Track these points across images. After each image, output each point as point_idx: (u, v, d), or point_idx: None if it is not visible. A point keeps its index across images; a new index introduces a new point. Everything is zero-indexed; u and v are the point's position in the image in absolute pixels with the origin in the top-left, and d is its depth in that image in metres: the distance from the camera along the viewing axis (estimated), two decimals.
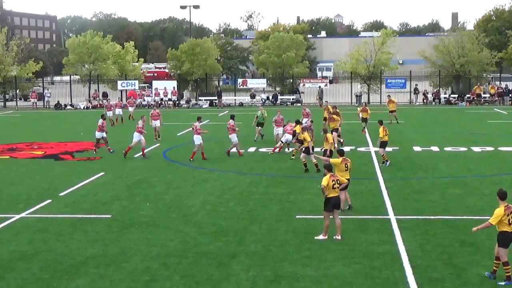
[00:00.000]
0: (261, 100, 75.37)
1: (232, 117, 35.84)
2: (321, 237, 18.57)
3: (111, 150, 36.25)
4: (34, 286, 15.42)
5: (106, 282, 15.60)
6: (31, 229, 20.40)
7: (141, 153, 34.84)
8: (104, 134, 36.62)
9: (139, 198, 24.82)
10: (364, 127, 43.55)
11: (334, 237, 18.54)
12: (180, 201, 24.11)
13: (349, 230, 19.50)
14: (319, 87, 75.27)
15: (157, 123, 41.87)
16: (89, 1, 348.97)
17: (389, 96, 55.35)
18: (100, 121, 36.78)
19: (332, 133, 33.20)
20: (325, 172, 19.02)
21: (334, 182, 18.64)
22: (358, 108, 44.65)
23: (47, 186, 26.94)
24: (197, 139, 33.49)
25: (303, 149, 30.27)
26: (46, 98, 78.40)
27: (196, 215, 21.89)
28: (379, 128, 31.09)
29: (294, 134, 34.15)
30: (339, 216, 18.98)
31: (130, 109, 56.47)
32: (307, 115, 41.28)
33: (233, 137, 34.73)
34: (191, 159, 33.32)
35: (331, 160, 22.15)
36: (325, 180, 18.57)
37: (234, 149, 34.82)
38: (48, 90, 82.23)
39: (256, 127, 40.54)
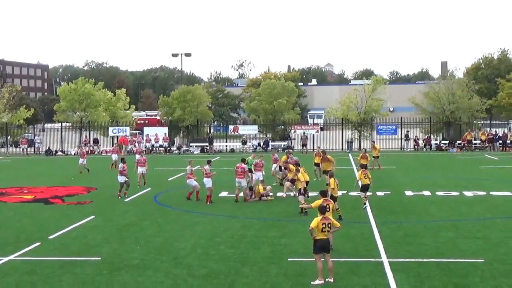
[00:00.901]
0: (252, 146, 75.39)
1: (208, 162, 35.53)
2: (317, 282, 18.30)
3: (126, 195, 36.11)
4: None
5: None
6: (19, 271, 20.11)
7: (131, 197, 34.64)
8: (127, 178, 36.30)
9: (130, 241, 24.58)
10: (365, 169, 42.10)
11: (327, 280, 18.31)
12: (170, 244, 23.87)
13: (341, 273, 19.27)
14: (303, 133, 75.13)
15: (143, 169, 41.30)
16: (81, 50, 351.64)
17: (373, 142, 55.64)
18: (121, 165, 36.59)
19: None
20: (319, 214, 18.85)
21: (324, 225, 18.44)
22: (359, 155, 44.23)
23: (36, 229, 26.66)
24: (208, 182, 33.68)
25: (300, 190, 30.29)
26: (36, 145, 78.26)
27: (187, 258, 21.65)
28: (330, 180, 29.98)
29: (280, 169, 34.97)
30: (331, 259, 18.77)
31: (114, 156, 54.38)
32: (275, 161, 41.51)
33: (207, 182, 34.11)
34: (197, 199, 34.43)
35: (313, 204, 22.44)
36: (314, 222, 18.43)
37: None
38: (38, 136, 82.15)
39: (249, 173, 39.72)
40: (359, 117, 76.91)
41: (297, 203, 30.06)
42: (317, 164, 42.24)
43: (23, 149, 76.67)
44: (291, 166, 35.10)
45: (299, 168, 32.61)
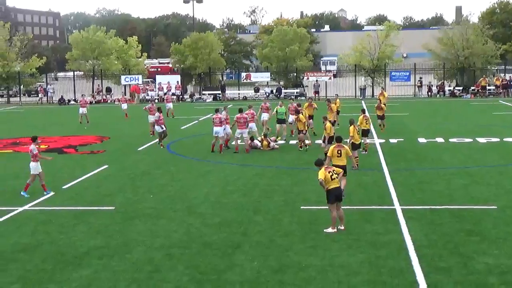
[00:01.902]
0: (265, 93, 75.21)
1: (217, 110, 34.78)
2: (330, 230, 18.34)
3: (162, 146, 35.87)
4: (36, 277, 15.29)
5: (109, 272, 15.46)
6: (33, 221, 20.29)
7: (144, 146, 34.71)
8: (164, 128, 36.03)
9: (143, 190, 24.69)
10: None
11: (338, 227, 18.38)
12: (184, 193, 23.97)
13: (354, 220, 19.33)
14: (316, 80, 74.84)
15: (152, 118, 41.08)
16: None
17: (382, 88, 55.13)
18: (157, 114, 36.36)
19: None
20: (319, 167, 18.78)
21: (331, 173, 18.42)
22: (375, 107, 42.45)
23: (50, 179, 26.75)
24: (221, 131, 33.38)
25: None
26: (49, 94, 78.42)
27: (200, 207, 21.75)
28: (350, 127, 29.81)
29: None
30: (342, 207, 18.80)
31: (124, 106, 54.38)
32: (266, 110, 40.00)
33: (227, 129, 34.15)
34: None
35: (329, 151, 22.41)
36: (321, 174, 18.36)
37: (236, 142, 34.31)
38: (50, 85, 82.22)
39: (277, 125, 37.76)
40: (372, 63, 76.44)
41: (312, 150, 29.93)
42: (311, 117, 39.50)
43: (40, 98, 76.84)
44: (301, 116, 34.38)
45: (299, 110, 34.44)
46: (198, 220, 20.00)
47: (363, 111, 33.29)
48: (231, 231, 18.70)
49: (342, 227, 18.44)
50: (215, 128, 33.18)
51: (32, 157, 24.01)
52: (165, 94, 69.08)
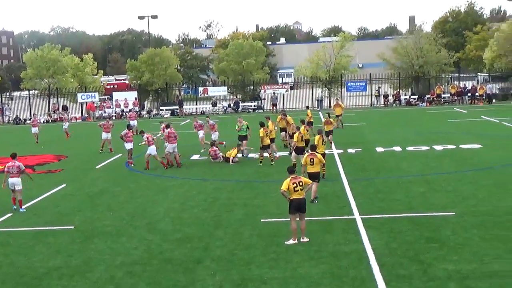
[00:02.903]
0: (223, 108, 75.29)
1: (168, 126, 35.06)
2: (290, 241, 18.38)
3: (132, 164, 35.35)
4: None
5: None
6: None
7: (102, 163, 34.48)
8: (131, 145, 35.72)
9: (102, 208, 24.51)
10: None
11: (301, 240, 18.41)
12: (143, 210, 23.85)
13: (314, 231, 19.38)
14: (273, 93, 75.16)
15: (108, 135, 41.03)
16: (46, 15, 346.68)
17: (337, 99, 55.49)
18: (125, 131, 36.04)
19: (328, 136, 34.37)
20: (287, 175, 18.89)
21: (295, 185, 18.49)
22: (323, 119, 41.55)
23: (8, 200, 26.36)
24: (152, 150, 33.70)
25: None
26: (6, 113, 77.48)
27: (160, 223, 21.66)
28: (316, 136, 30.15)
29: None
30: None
31: (33, 129, 51.44)
32: (200, 127, 39.85)
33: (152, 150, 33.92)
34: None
35: (302, 160, 23.78)
36: (284, 185, 18.53)
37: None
38: (7, 105, 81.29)
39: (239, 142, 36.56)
40: (328, 74, 76.95)
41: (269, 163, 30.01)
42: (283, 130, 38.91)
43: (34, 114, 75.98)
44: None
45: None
46: (158, 236, 19.91)
47: (327, 134, 33.41)
48: (192, 246, 18.64)
49: (305, 239, 18.47)
50: (172, 145, 33.58)
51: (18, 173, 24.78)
52: (128, 111, 68.68)
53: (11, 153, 25.96)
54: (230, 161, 34.15)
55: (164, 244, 19.02)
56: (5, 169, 25.17)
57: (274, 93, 75.06)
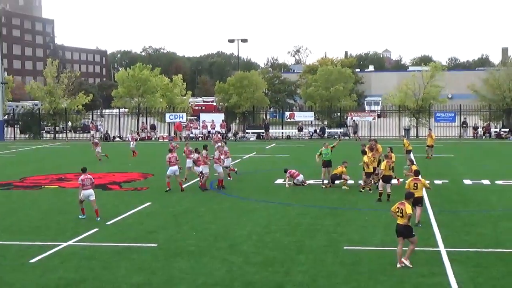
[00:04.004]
0: (309, 133, 75.25)
1: (205, 147, 35.19)
2: (397, 265, 18.70)
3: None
4: None
5: None
6: (78, 256, 20.42)
7: (187, 184, 34.81)
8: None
9: (186, 227, 24.73)
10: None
11: (401, 259, 18.69)
12: (226, 231, 23.95)
13: (397, 262, 19.09)
14: (353, 121, 74.92)
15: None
16: (138, 36, 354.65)
17: (430, 130, 54.65)
18: (196, 155, 35.84)
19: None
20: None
21: (397, 210, 18.87)
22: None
23: (95, 215, 26.99)
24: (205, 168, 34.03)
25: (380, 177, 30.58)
26: (100, 130, 79.21)
27: (243, 245, 21.70)
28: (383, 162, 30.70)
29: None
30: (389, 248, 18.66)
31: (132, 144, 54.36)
32: (226, 154, 38.04)
33: (205, 169, 34.21)
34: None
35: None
36: (394, 207, 19.30)
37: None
38: (101, 122, 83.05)
39: (322, 168, 35.46)
40: (416, 104, 76.02)
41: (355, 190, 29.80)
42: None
43: (92, 135, 77.57)
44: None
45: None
46: (240, 258, 19.94)
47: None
48: (273, 270, 18.60)
49: (406, 262, 18.73)
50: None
51: (91, 185, 26.60)
52: (214, 133, 69.34)
53: (81, 167, 27.42)
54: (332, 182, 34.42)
55: (246, 266, 19.03)
56: (79, 182, 26.71)
57: (354, 120, 74.82)
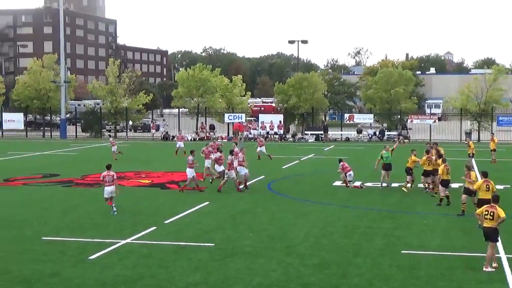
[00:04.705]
0: (368, 135, 74.76)
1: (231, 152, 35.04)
2: (488, 269, 18.68)
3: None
4: None
5: None
6: (135, 254, 20.63)
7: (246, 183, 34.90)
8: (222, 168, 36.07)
9: (243, 228, 24.78)
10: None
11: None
12: (283, 232, 23.93)
13: (456, 267, 18.87)
14: (401, 126, 74.68)
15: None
16: (199, 36, 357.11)
17: (492, 134, 53.66)
18: (218, 154, 36.57)
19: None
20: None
21: (486, 213, 18.95)
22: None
23: (153, 214, 27.25)
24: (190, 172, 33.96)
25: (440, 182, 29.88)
26: (162, 129, 79.84)
27: (299, 247, 21.65)
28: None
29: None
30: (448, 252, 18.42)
31: (178, 144, 54.68)
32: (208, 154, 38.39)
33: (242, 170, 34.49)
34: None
35: (475, 185, 24.81)
36: (480, 209, 19.46)
37: None
38: (164, 121, 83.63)
39: (382, 171, 35.06)
40: (478, 107, 74.88)
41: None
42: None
43: (153, 134, 78.34)
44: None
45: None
46: (297, 260, 19.90)
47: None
48: (330, 272, 18.52)
49: (488, 268, 18.69)
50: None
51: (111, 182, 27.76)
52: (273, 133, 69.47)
53: (106, 164, 28.79)
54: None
55: (302, 268, 18.99)
56: (101, 179, 28.32)
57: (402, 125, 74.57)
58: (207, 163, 37.63)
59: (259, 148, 50.54)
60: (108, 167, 28.07)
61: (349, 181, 35.13)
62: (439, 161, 31.41)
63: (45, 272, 18.64)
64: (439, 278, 17.79)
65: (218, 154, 36.43)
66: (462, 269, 18.71)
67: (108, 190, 27.66)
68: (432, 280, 17.65)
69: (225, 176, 33.95)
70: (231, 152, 34.69)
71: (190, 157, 33.99)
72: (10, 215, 27.60)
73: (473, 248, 21.23)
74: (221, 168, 35.71)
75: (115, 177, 28.03)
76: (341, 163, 35.50)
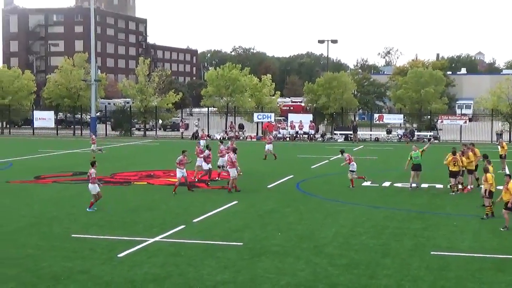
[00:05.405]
0: (397, 136, 74.37)
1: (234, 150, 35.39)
2: None
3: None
4: None
5: None
6: (164, 252, 20.70)
7: (273, 184, 34.87)
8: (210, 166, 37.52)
9: (271, 227, 24.77)
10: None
11: None
12: (311, 232, 23.89)
13: (486, 269, 18.71)
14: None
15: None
16: (229, 36, 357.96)
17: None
18: (207, 152, 37.51)
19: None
20: None
21: None
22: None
23: (182, 212, 27.33)
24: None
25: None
26: (195, 128, 79.84)
27: (328, 247, 21.60)
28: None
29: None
30: (475, 254, 18.25)
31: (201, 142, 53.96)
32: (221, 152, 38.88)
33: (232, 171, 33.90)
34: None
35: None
36: None
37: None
38: (198, 120, 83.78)
39: (411, 172, 34.63)
40: (510, 108, 74.18)
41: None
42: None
43: (182, 133, 78.51)
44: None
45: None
46: (325, 260, 19.86)
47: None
48: (358, 273, 18.46)
49: None
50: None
51: (91, 180, 28.30)
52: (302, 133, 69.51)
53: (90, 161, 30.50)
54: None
55: (330, 268, 18.94)
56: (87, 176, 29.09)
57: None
58: (199, 161, 37.87)
59: (267, 147, 50.17)
60: (92, 164, 28.91)
61: (351, 171, 35.08)
62: (490, 168, 28.32)
63: (74, 269, 18.78)
64: (469, 279, 17.66)
65: (207, 152, 37.23)
66: (493, 271, 18.54)
67: (90, 187, 28.52)
68: (462, 281, 17.52)
69: (231, 176, 33.83)
70: (234, 151, 35.04)
71: (181, 157, 33.76)
72: (40, 212, 27.84)
73: (503, 250, 21.04)
74: (209, 166, 37.07)
75: (92, 175, 28.33)
76: (346, 154, 35.59)
